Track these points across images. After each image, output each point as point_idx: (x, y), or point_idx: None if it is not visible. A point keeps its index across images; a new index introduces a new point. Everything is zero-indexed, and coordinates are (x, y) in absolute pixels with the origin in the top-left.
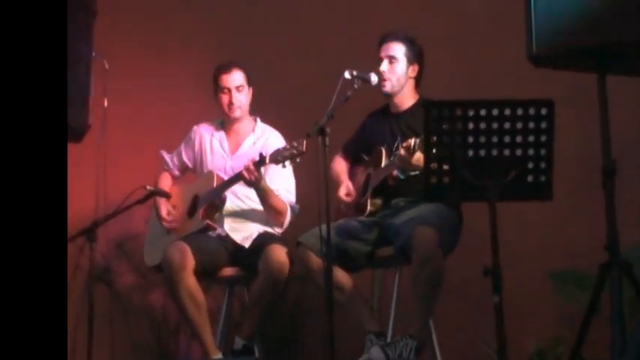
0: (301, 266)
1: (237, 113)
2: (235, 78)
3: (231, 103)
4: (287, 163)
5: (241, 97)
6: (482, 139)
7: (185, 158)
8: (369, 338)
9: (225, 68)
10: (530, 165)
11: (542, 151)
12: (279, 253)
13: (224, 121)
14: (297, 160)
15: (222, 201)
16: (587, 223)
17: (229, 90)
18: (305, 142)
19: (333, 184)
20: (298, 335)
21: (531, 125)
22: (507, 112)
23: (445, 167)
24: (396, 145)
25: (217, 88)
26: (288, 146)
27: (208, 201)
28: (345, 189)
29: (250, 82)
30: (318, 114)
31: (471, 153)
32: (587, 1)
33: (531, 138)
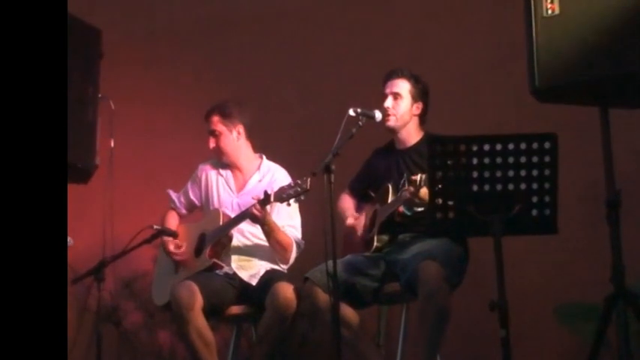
0: (308, 303)
1: (221, 157)
2: (209, 123)
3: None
4: (292, 201)
5: (218, 141)
6: (487, 174)
7: (192, 196)
8: None
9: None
10: (535, 199)
11: (547, 185)
12: (287, 290)
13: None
14: (302, 198)
15: (229, 239)
16: (592, 256)
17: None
18: (309, 180)
19: (340, 220)
20: None
21: (535, 159)
22: (511, 146)
23: (450, 202)
24: (402, 182)
25: None
26: (292, 184)
27: (215, 239)
28: (352, 217)
29: (238, 121)
30: (324, 152)
31: (475, 188)
32: (587, 35)
33: (535, 172)
